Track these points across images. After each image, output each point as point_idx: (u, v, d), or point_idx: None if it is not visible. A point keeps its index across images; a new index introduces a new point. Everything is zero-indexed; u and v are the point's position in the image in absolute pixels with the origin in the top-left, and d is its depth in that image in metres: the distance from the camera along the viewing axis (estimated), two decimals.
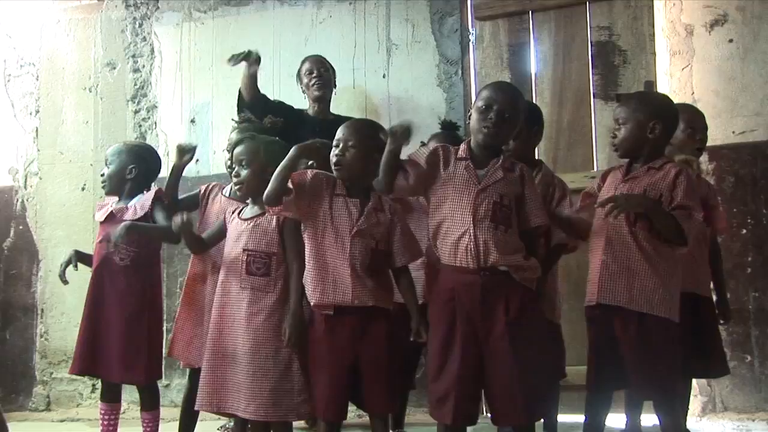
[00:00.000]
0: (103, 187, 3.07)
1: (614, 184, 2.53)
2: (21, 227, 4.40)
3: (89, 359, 2.88)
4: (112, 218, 2.95)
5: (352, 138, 2.42)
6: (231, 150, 2.92)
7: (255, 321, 2.50)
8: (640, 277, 2.38)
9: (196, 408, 2.60)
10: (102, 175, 3.05)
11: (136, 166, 3.00)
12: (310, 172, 2.44)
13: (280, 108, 3.54)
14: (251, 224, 2.58)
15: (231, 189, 2.98)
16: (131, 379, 2.92)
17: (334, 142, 2.45)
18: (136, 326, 2.88)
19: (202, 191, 3.05)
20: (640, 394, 2.50)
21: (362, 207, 2.41)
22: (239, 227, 2.61)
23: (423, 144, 2.74)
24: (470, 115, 2.40)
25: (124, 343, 2.85)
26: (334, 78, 3.73)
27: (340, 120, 3.53)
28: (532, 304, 2.34)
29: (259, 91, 3.55)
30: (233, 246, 2.60)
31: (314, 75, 3.64)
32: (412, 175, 2.34)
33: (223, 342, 2.54)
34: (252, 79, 3.50)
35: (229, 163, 2.95)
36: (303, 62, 3.72)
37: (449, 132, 2.69)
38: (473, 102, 2.42)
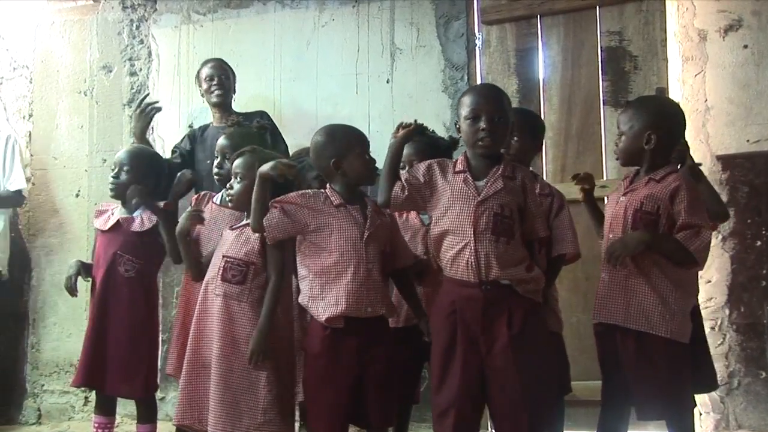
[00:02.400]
0: (110, 189, 3.02)
1: (616, 199, 2.49)
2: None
3: (93, 372, 2.86)
4: (118, 227, 2.95)
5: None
6: (218, 156, 2.92)
7: (223, 330, 2.46)
8: (638, 295, 2.33)
9: (175, 423, 2.54)
10: (115, 177, 2.99)
11: (152, 181, 3.01)
12: (296, 193, 2.43)
13: (178, 161, 3.51)
14: (236, 233, 2.58)
15: (221, 197, 2.94)
16: (130, 392, 2.92)
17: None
18: (140, 338, 2.89)
19: (193, 202, 3.05)
20: (644, 412, 2.39)
21: (364, 211, 2.41)
22: (226, 236, 2.62)
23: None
24: (459, 126, 2.35)
25: (126, 356, 2.85)
26: (234, 83, 3.68)
27: (245, 117, 3.46)
28: (536, 317, 2.29)
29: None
30: (217, 254, 2.61)
31: (214, 82, 3.59)
32: (407, 187, 2.31)
33: (201, 352, 2.51)
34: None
35: (216, 170, 2.92)
36: (203, 66, 3.67)
37: (421, 137, 2.63)
38: (459, 110, 2.36)
